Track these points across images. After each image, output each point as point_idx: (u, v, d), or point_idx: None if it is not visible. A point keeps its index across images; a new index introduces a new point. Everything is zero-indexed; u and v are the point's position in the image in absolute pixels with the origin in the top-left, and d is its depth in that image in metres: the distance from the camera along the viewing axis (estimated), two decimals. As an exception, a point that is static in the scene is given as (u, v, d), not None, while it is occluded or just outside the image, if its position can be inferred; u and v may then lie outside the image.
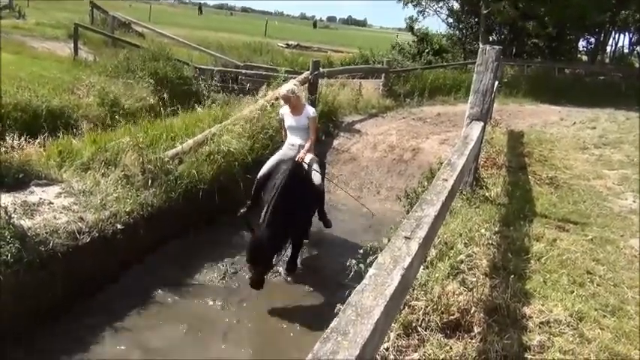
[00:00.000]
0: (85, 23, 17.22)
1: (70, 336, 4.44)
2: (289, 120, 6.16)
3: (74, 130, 7.39)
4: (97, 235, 5.02)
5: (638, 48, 24.94)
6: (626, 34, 24.55)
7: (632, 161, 8.10)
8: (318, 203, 6.38)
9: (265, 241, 5.02)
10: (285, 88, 6.17)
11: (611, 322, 3.26)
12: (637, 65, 24.00)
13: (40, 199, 5.19)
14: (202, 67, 14.23)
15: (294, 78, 10.45)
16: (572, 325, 3.16)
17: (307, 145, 6.02)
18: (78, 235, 4.85)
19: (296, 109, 6.09)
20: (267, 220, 5.18)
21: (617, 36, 24.85)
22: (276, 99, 9.07)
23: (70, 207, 5.19)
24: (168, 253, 5.98)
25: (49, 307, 4.55)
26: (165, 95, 10.22)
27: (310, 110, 6.21)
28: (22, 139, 6.05)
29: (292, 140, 6.16)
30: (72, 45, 14.33)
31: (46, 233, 4.63)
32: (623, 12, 20.49)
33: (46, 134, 6.74)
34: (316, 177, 5.94)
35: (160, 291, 5.30)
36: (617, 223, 5.32)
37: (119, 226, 5.29)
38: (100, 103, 9.55)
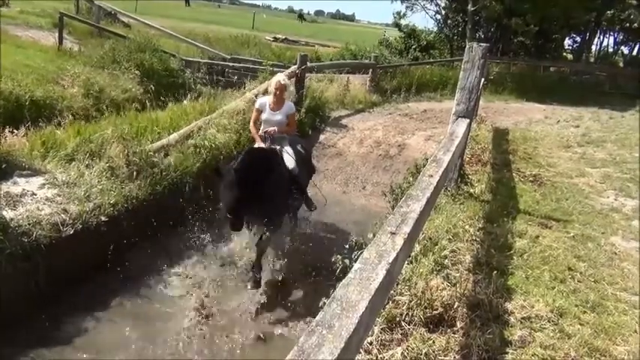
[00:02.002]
0: (70, 12, 16.99)
1: (52, 328, 4.41)
2: (268, 113, 6.01)
3: (58, 120, 7.29)
4: (80, 227, 4.98)
5: (622, 48, 25.22)
6: (611, 33, 24.79)
7: (615, 160, 8.21)
8: (295, 186, 6.00)
9: (235, 183, 4.85)
10: (281, 78, 6.06)
11: (591, 317, 3.32)
12: (621, 65, 24.28)
13: (23, 190, 5.13)
14: (189, 59, 14.15)
15: (282, 72, 10.44)
16: (552, 321, 3.21)
17: (280, 129, 5.94)
18: (61, 227, 4.81)
19: (280, 102, 6.00)
20: (239, 167, 5.03)
21: (602, 35, 25.08)
22: (265, 92, 9.05)
23: (53, 198, 5.14)
24: (153, 246, 5.95)
25: (31, 298, 4.51)
26: (151, 87, 10.16)
27: (291, 106, 6.15)
28: (5, 129, 5.98)
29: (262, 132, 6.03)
30: (57, 34, 14.10)
31: (29, 225, 4.58)
32: (608, 12, 20.68)
33: (29, 124, 6.66)
34: (289, 161, 5.80)
35: (145, 283, 5.29)
36: (598, 221, 5.39)
37: (103, 218, 5.25)
38: (85, 94, 9.46)
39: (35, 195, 5.12)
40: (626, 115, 13.67)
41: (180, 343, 4.54)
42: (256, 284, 5.40)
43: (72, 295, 4.85)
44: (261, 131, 6.08)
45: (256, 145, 5.97)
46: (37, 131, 6.50)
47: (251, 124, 6.23)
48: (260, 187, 5.01)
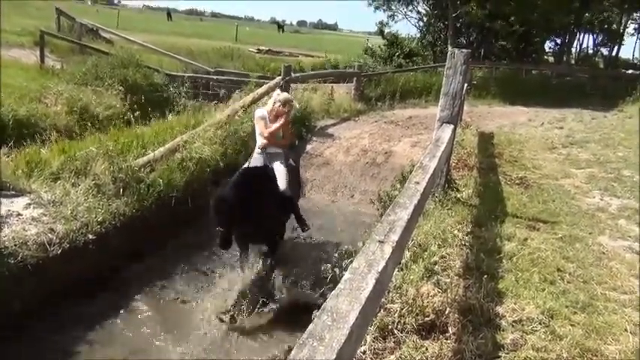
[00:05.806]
0: (51, 30, 16.92)
1: (41, 348, 4.35)
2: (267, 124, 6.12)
3: (42, 139, 7.23)
4: (68, 246, 4.93)
5: (602, 49, 25.60)
6: (591, 35, 25.18)
7: (599, 160, 8.29)
8: (287, 208, 6.09)
9: (228, 194, 4.88)
10: (289, 101, 6.22)
11: (582, 318, 3.33)
12: (601, 66, 24.62)
13: (8, 210, 5.07)
14: (173, 73, 14.12)
15: (266, 83, 10.48)
16: (544, 323, 3.21)
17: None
18: (48, 247, 4.76)
19: (279, 116, 6.09)
20: (233, 182, 5.13)
21: (581, 37, 25.47)
22: (252, 102, 9.08)
23: (39, 218, 5.09)
24: (142, 262, 5.90)
25: (19, 320, 4.44)
26: (135, 102, 10.11)
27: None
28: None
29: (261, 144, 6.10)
30: (38, 52, 14.05)
31: (15, 245, 4.53)
32: (586, 14, 20.99)
33: (13, 144, 6.60)
34: (281, 182, 5.83)
35: (135, 301, 5.23)
36: (585, 221, 5.43)
37: (91, 237, 5.20)
38: (69, 111, 9.39)
39: (21, 215, 5.06)
40: (608, 115, 13.85)
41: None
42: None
43: (61, 316, 4.78)
44: (257, 147, 6.10)
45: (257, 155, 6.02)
46: (21, 150, 6.44)
47: (261, 129, 6.17)
48: (255, 206, 5.03)
